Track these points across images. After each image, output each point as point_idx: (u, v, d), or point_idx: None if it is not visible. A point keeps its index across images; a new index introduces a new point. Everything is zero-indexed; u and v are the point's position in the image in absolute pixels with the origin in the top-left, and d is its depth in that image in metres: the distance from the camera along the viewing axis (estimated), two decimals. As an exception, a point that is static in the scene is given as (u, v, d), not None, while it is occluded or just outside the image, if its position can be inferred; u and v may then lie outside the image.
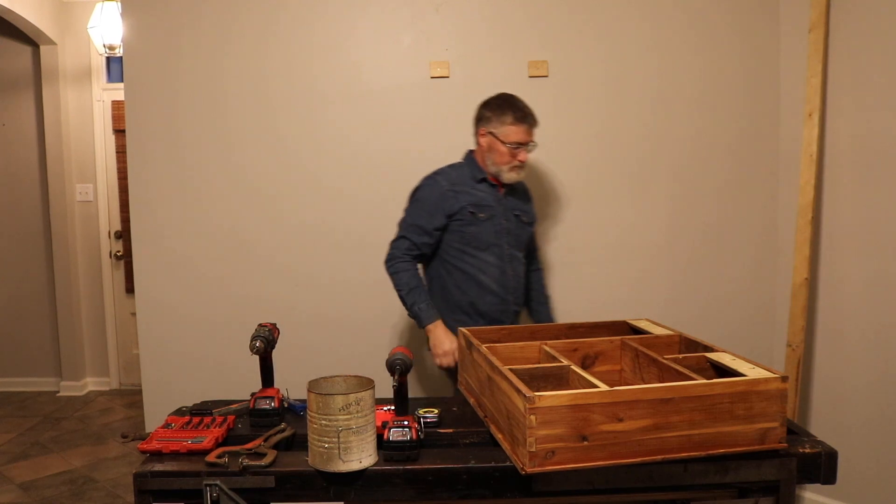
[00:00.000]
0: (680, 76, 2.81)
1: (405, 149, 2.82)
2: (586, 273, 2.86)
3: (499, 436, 1.64)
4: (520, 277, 2.39)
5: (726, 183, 2.86)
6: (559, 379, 1.72)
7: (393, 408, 1.70)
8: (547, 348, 1.87)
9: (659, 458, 1.50)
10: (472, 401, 1.93)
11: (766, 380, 1.54)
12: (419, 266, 2.38)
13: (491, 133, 2.29)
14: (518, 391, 1.47)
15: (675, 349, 1.95)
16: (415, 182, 2.83)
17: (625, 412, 1.47)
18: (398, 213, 2.85)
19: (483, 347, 1.82)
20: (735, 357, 1.74)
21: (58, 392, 4.78)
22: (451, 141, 2.83)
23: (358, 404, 1.53)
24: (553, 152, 2.82)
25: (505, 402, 1.58)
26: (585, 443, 1.46)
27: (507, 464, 1.56)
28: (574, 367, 1.70)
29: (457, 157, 2.83)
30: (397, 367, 1.62)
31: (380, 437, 1.63)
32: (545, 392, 1.46)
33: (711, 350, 1.83)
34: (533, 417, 1.42)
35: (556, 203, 2.85)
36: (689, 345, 1.93)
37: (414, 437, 1.60)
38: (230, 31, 2.80)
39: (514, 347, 1.92)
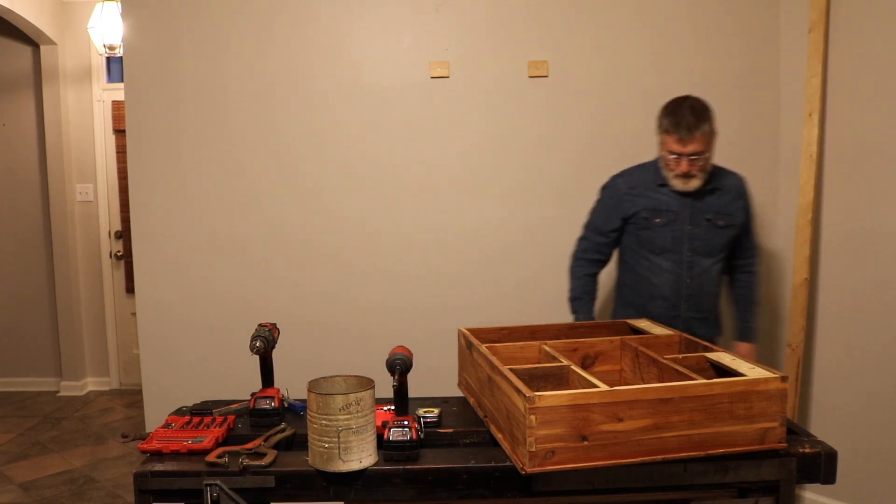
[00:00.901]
0: (680, 76, 2.81)
1: (405, 149, 2.82)
2: (586, 273, 2.86)
3: (499, 436, 1.64)
4: (702, 285, 2.28)
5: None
6: (559, 379, 1.72)
7: (393, 408, 1.70)
8: (547, 348, 1.88)
9: (659, 458, 1.50)
10: (472, 401, 1.93)
11: (766, 380, 1.54)
12: (600, 264, 2.40)
13: (659, 138, 2.25)
14: (518, 391, 1.47)
15: (675, 349, 1.96)
16: (413, 182, 2.85)
17: (625, 412, 1.47)
18: (397, 213, 2.86)
19: (483, 347, 1.82)
20: (735, 357, 1.74)
21: (58, 392, 4.78)
22: (451, 141, 2.84)
23: (358, 404, 1.53)
24: (553, 152, 2.83)
25: (505, 402, 1.59)
26: (585, 443, 1.46)
27: (507, 464, 1.56)
28: (574, 367, 1.70)
29: (457, 158, 2.85)
30: (397, 367, 1.62)
31: (380, 436, 1.63)
32: (545, 392, 1.46)
33: (711, 350, 1.83)
34: (533, 417, 1.43)
35: (555, 202, 2.85)
36: (689, 345, 1.93)
37: (414, 437, 1.60)
38: (230, 31, 2.80)
39: (513, 347, 1.92)
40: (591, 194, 2.84)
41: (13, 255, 4.80)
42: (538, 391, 1.47)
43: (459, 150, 2.84)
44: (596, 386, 1.54)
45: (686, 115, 2.13)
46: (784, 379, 1.55)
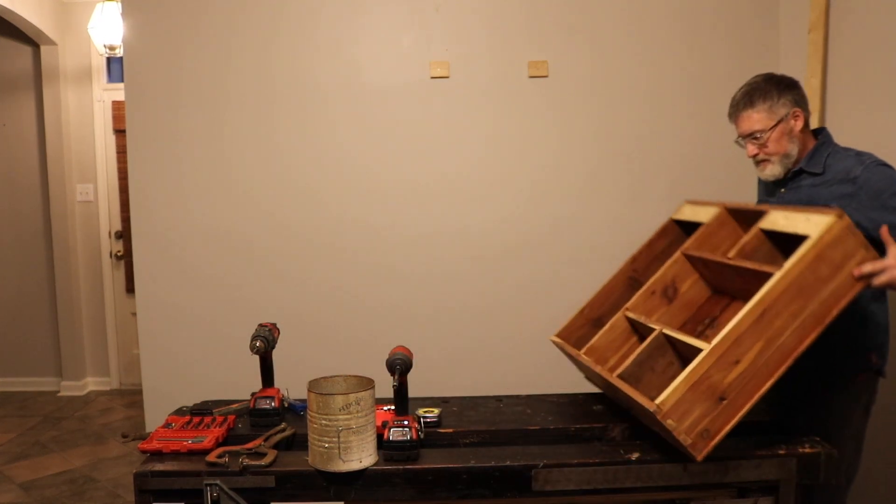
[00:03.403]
0: (679, 76, 2.81)
1: (404, 149, 2.82)
2: (586, 271, 2.86)
3: (654, 428, 1.63)
4: None
5: (726, 182, 2.86)
6: (662, 348, 1.71)
7: (393, 408, 1.70)
8: (632, 315, 1.84)
9: (793, 358, 1.49)
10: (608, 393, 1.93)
11: (829, 228, 1.48)
12: None
13: None
14: (642, 406, 1.48)
15: (731, 230, 1.89)
16: (412, 182, 2.86)
17: (737, 353, 1.47)
18: (397, 212, 2.86)
19: (583, 357, 1.83)
20: (788, 212, 1.66)
21: (58, 392, 4.78)
22: (451, 141, 2.84)
23: (358, 404, 1.53)
24: (553, 151, 2.83)
25: (637, 408, 1.58)
26: (725, 401, 1.46)
27: (507, 463, 1.57)
28: (667, 331, 1.68)
29: (457, 158, 2.85)
30: (397, 367, 1.62)
31: (380, 436, 1.63)
32: (664, 394, 1.46)
33: (761, 215, 1.76)
34: (670, 421, 1.44)
35: (555, 202, 2.85)
36: (739, 217, 1.87)
37: (414, 437, 1.60)
38: (230, 32, 2.80)
39: (605, 338, 1.89)
40: (591, 194, 2.85)
41: (13, 255, 4.80)
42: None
43: (459, 151, 2.84)
44: (698, 349, 1.52)
45: (737, 94, 1.93)
46: (840, 215, 1.49)
